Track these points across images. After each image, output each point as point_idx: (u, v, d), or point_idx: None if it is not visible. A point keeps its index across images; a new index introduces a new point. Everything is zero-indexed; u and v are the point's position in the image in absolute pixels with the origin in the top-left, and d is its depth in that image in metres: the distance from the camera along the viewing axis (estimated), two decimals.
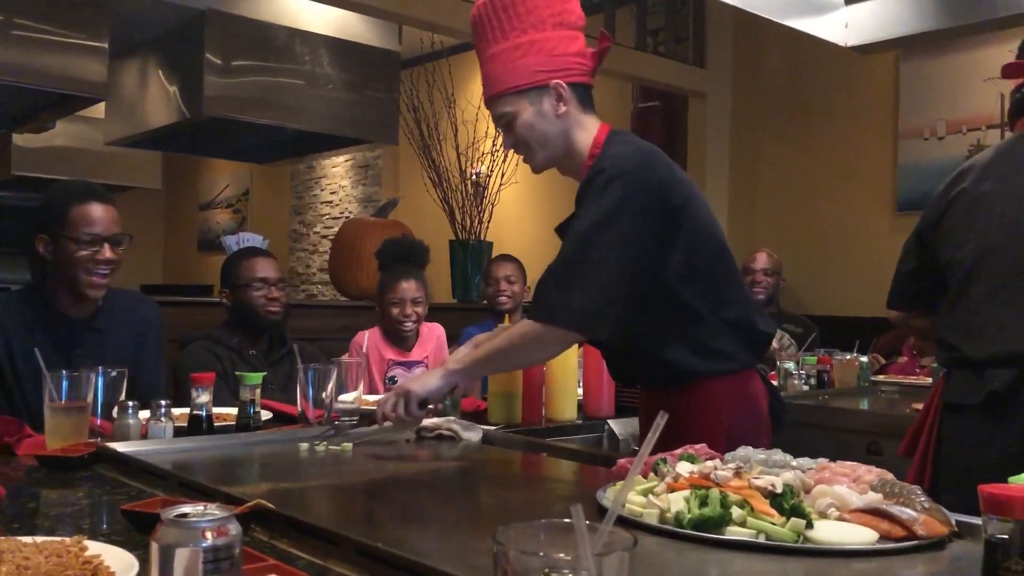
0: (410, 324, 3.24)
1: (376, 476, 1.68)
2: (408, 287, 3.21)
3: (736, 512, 1.13)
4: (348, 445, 1.85)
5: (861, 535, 1.12)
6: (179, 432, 1.89)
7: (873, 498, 1.18)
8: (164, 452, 1.72)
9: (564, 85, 1.83)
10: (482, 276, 3.96)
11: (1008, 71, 2.11)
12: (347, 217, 7.52)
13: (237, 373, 2.19)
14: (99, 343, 2.29)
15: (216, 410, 2.04)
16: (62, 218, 2.23)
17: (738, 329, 1.82)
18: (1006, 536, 0.80)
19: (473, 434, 2.00)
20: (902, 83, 4.97)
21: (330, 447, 1.84)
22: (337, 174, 8.19)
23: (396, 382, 3.18)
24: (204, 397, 1.93)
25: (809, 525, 1.12)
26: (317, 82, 4.59)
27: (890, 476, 1.29)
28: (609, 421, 2.58)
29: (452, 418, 2.13)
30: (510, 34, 1.82)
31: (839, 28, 3.85)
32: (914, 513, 1.14)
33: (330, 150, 6.77)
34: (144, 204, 9.27)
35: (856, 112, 5.06)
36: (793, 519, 1.12)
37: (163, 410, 1.86)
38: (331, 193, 8.27)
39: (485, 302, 4.20)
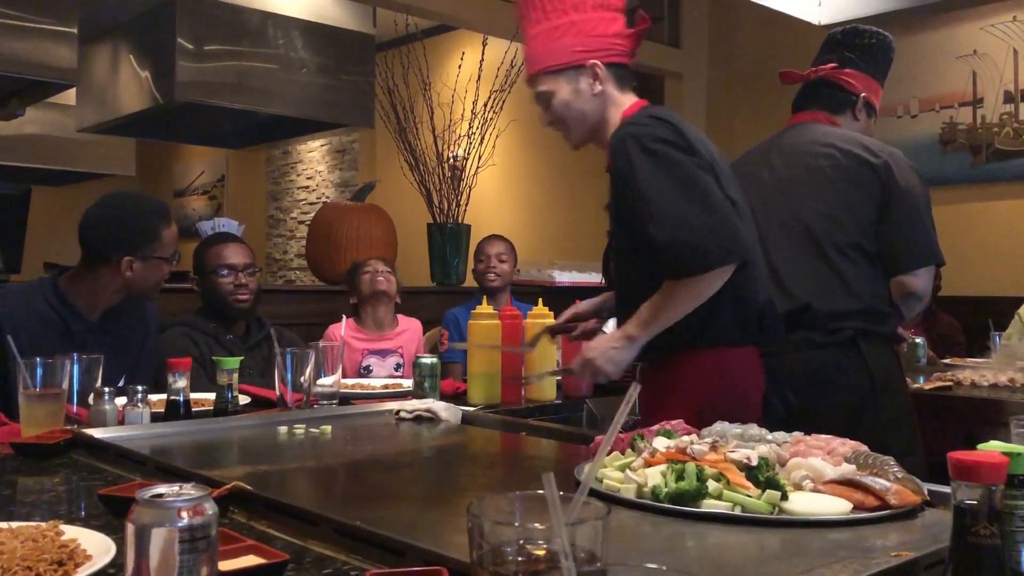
0: (383, 283, 3.31)
1: (355, 457, 1.68)
2: (377, 264, 3.38)
3: (712, 485, 1.14)
4: (327, 428, 1.85)
5: (835, 506, 1.13)
6: (156, 418, 1.88)
7: (847, 469, 1.20)
8: (141, 437, 1.71)
9: (601, 65, 1.88)
10: (474, 255, 3.95)
11: (785, 78, 2.45)
12: (324, 202, 7.47)
13: (214, 358, 2.18)
14: (104, 344, 2.27)
15: (194, 395, 2.04)
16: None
17: (737, 305, 1.80)
18: (974, 501, 0.81)
19: (452, 415, 2.01)
20: None
21: (309, 429, 1.84)
22: (313, 159, 8.15)
23: (371, 371, 3.20)
24: (181, 382, 1.92)
25: (784, 497, 1.13)
26: (291, 66, 4.55)
27: (864, 448, 1.31)
28: (588, 401, 2.59)
29: (431, 399, 2.14)
30: (551, 15, 1.88)
31: (813, 6, 3.86)
32: (887, 483, 1.16)
33: (306, 135, 6.73)
34: None
35: None
36: (768, 491, 1.13)
37: (139, 396, 1.85)
38: (307, 178, 8.22)
39: (472, 282, 4.18)
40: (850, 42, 2.38)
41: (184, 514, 0.77)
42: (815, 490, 1.17)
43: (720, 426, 1.42)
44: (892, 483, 1.17)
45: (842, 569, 0.94)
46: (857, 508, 1.14)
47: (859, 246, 2.18)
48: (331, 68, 4.66)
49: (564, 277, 4.91)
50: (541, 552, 0.62)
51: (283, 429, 1.84)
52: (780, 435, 1.39)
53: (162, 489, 0.80)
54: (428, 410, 2.01)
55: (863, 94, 2.36)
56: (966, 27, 4.64)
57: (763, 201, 2.20)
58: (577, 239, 5.90)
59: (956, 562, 0.82)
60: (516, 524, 0.64)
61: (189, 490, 0.80)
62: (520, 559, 0.62)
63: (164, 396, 1.94)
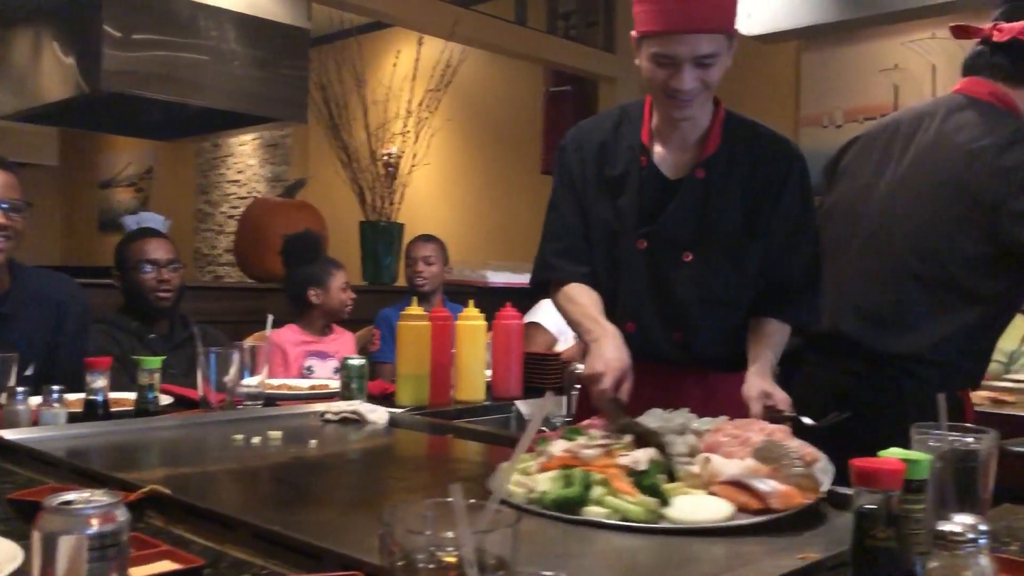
0: (349, 310, 3.42)
1: (279, 460, 1.67)
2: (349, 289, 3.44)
3: (597, 491, 1.16)
4: (277, 434, 1.78)
5: (715, 511, 1.15)
6: (73, 418, 1.84)
7: (742, 468, 1.20)
8: (56, 439, 1.66)
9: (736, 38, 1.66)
10: (404, 257, 3.92)
11: (956, 32, 2.02)
12: (254, 197, 7.36)
13: (135, 357, 2.13)
14: (8, 330, 2.19)
15: (114, 395, 1.99)
16: None
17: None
18: (875, 506, 0.85)
19: (379, 417, 2.00)
20: (803, 73, 5.13)
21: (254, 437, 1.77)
22: (244, 152, 8.01)
23: (313, 371, 3.19)
24: (100, 382, 1.87)
25: (665, 503, 1.15)
26: (223, 58, 4.47)
27: (780, 435, 1.31)
28: (517, 402, 2.61)
29: (358, 401, 2.13)
30: None
31: (742, 18, 3.93)
32: (771, 486, 1.16)
33: (237, 128, 6.59)
34: (39, 182, 8.86)
35: (759, 100, 5.19)
36: (644, 498, 1.15)
37: (55, 395, 1.80)
38: (238, 172, 8.08)
39: (402, 283, 4.16)
40: None
41: (93, 521, 0.76)
42: (711, 491, 1.19)
43: (653, 412, 1.44)
44: (782, 483, 1.18)
45: (749, 571, 0.97)
46: (741, 510, 1.15)
47: (953, 284, 1.85)
48: (264, 61, 4.60)
49: (497, 277, 4.92)
50: (452, 559, 0.63)
51: (238, 436, 1.76)
52: (705, 422, 1.40)
53: (71, 496, 0.78)
54: (354, 412, 2.00)
55: None
56: (888, 43, 4.79)
57: (867, 190, 1.98)
58: (511, 239, 5.91)
59: (856, 564, 0.86)
60: (427, 532, 0.65)
61: (100, 496, 0.79)
62: (431, 566, 0.63)
63: (82, 396, 1.89)
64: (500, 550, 0.63)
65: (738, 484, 1.18)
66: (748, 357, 1.66)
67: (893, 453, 0.95)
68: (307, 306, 3.34)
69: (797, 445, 1.29)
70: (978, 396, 2.67)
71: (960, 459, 1.11)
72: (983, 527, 0.85)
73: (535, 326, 3.56)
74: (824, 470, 1.27)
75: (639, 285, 1.75)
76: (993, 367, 3.19)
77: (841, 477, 1.15)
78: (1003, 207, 1.79)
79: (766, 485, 1.17)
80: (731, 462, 1.22)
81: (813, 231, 1.78)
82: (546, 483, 1.19)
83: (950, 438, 1.14)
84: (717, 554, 1.08)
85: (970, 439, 1.13)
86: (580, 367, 2.89)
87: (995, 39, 1.90)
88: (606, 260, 1.79)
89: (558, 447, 1.29)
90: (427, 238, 3.97)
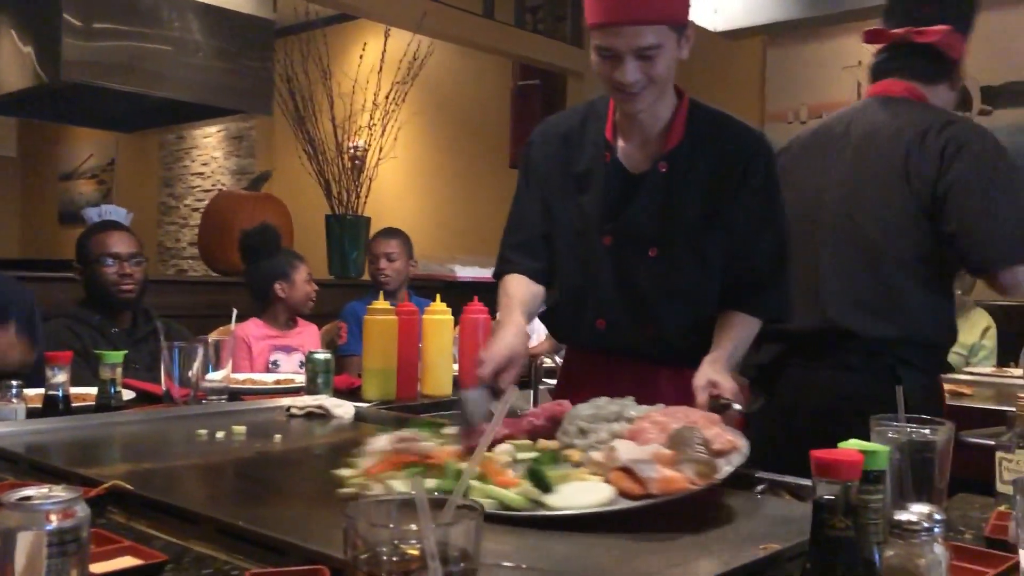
0: (312, 304, 3.41)
1: (243, 455, 1.65)
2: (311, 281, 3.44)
3: (474, 484, 1.16)
4: (241, 429, 1.77)
5: (595, 497, 1.15)
6: (33, 414, 1.81)
7: (643, 453, 1.20)
8: (15, 434, 1.64)
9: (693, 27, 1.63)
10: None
11: (870, 36, 2.10)
12: (219, 189, 7.28)
13: (96, 352, 2.10)
14: None
15: (76, 390, 1.96)
16: None
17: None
18: (833, 497, 0.86)
19: (345, 411, 1.99)
20: (768, 69, 5.18)
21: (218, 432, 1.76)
22: (209, 145, 7.92)
23: (279, 366, 3.18)
24: (60, 377, 1.85)
25: (548, 490, 1.16)
26: (186, 49, 4.41)
27: (704, 421, 1.30)
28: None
29: (324, 396, 2.12)
30: None
31: (708, 14, 3.98)
32: (657, 471, 1.16)
33: (201, 120, 6.54)
34: None
35: (725, 96, 5.23)
36: (525, 485, 1.16)
37: (14, 391, 1.78)
38: (203, 164, 7.99)
39: (367, 278, 4.13)
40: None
41: (53, 517, 0.75)
42: (606, 479, 1.20)
43: (594, 401, 1.45)
44: (682, 469, 1.17)
45: (712, 561, 0.98)
46: (624, 496, 1.15)
47: (927, 258, 1.90)
48: (228, 52, 4.55)
49: (465, 272, 4.92)
50: (415, 552, 0.63)
51: (202, 431, 1.74)
52: (642, 409, 1.41)
53: (30, 491, 0.77)
54: (320, 407, 1.99)
55: (958, 58, 2.02)
56: (852, 39, 4.84)
57: (818, 192, 2.01)
58: (479, 233, 5.91)
59: (814, 554, 0.87)
60: (391, 525, 0.65)
61: (59, 492, 0.78)
62: (395, 559, 0.63)
63: (41, 391, 1.86)
64: (464, 543, 0.63)
65: (626, 470, 1.17)
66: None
67: (852, 445, 0.97)
68: (272, 300, 3.32)
69: (715, 433, 1.27)
70: None
71: (917, 450, 1.14)
72: (938, 516, 0.87)
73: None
74: (732, 461, 1.25)
75: (607, 282, 1.74)
76: (953, 359, 3.24)
77: None
78: (940, 181, 1.85)
79: (652, 471, 1.16)
80: (633, 448, 1.21)
81: (778, 224, 1.75)
82: (402, 483, 1.18)
83: (908, 429, 1.17)
84: (680, 543, 1.09)
85: (927, 431, 1.16)
86: (548, 362, 2.90)
87: (916, 40, 1.98)
88: (574, 258, 1.78)
89: (381, 442, 1.32)
90: (390, 233, 3.86)
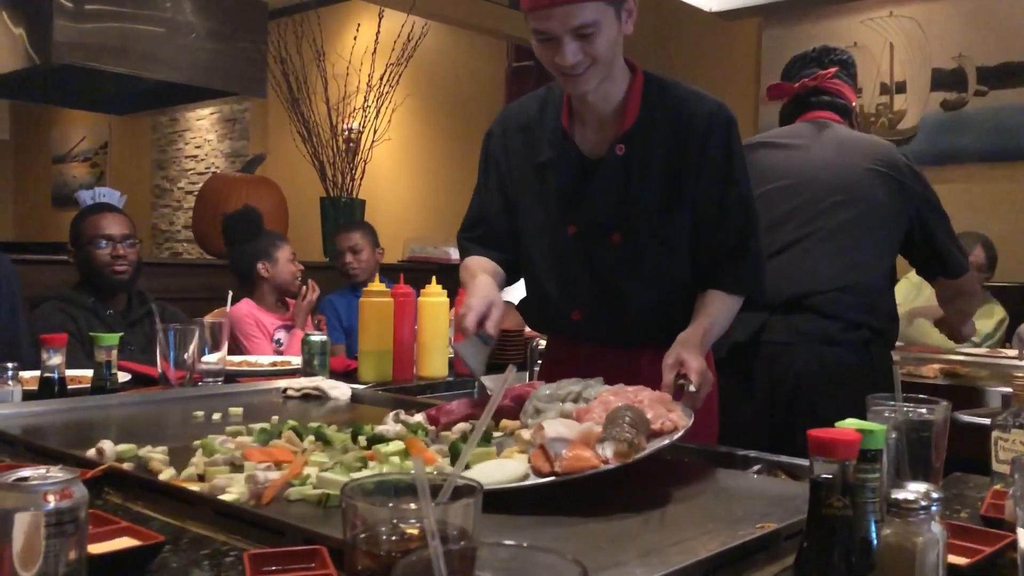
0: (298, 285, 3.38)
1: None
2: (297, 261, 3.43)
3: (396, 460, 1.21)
4: (238, 411, 1.76)
5: (506, 474, 1.16)
6: (29, 396, 1.81)
7: (569, 433, 1.20)
8: (11, 417, 1.64)
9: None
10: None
11: (773, 92, 2.41)
12: (213, 172, 7.25)
13: (92, 334, 2.10)
14: None
15: (71, 372, 1.96)
16: None
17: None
18: (830, 476, 0.86)
19: (341, 393, 1.99)
20: (764, 50, 5.16)
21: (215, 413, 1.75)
22: (202, 127, 7.88)
23: (283, 344, 3.18)
24: (56, 359, 1.85)
25: (466, 467, 1.15)
26: (179, 30, 4.38)
27: (645, 398, 1.31)
28: (482, 378, 2.60)
29: (320, 377, 2.12)
30: None
31: None
32: (566, 449, 1.17)
33: (194, 102, 6.49)
34: None
35: (721, 77, 5.22)
36: (441, 463, 1.21)
37: (9, 373, 1.77)
38: (196, 147, 7.95)
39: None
40: (826, 58, 2.37)
41: (51, 498, 0.75)
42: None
43: (560, 383, 1.45)
44: (606, 448, 1.16)
45: (709, 540, 0.99)
46: (536, 473, 1.16)
47: (894, 242, 2.18)
48: (221, 34, 4.52)
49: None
50: (415, 531, 0.63)
51: (199, 413, 1.73)
52: (600, 390, 1.41)
53: (27, 472, 0.77)
54: (316, 388, 1.99)
55: (854, 103, 2.35)
56: (846, 20, 4.83)
57: (799, 171, 2.17)
58: None
59: (812, 533, 0.88)
60: (389, 504, 0.65)
61: (56, 472, 0.78)
62: (394, 538, 0.63)
63: (37, 373, 1.86)
64: (463, 521, 0.63)
65: (542, 448, 1.19)
66: None
67: (849, 424, 0.97)
68: (256, 281, 3.32)
69: (657, 413, 1.27)
70: (931, 369, 2.74)
71: (914, 429, 1.14)
72: (935, 495, 0.87)
73: (507, 305, 3.56)
74: (661, 441, 1.23)
75: (576, 272, 1.71)
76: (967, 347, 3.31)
77: None
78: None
79: (562, 449, 1.16)
80: (558, 427, 1.22)
81: (743, 196, 1.66)
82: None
83: (905, 408, 1.17)
84: (679, 522, 1.09)
85: (924, 410, 1.16)
86: (543, 342, 2.90)
87: (810, 84, 2.32)
88: (543, 250, 1.74)
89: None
90: (351, 226, 3.90)
